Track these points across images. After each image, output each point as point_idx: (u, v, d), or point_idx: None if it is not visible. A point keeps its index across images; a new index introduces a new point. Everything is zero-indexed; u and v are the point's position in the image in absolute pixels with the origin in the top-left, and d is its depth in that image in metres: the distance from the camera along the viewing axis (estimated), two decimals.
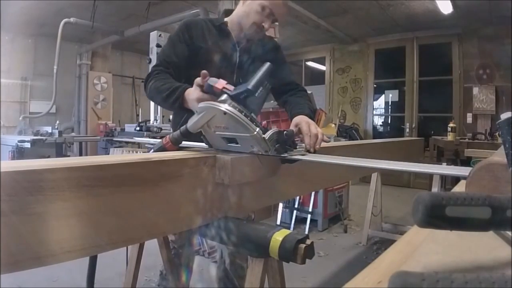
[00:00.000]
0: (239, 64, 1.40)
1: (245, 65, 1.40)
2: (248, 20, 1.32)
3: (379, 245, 2.90)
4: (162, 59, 1.34)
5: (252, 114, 0.86)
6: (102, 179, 0.61)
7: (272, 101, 3.98)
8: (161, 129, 4.04)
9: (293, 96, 1.47)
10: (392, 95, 6.82)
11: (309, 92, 4.11)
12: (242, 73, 1.38)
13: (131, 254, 1.32)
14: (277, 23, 3.98)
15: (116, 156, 0.79)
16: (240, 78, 1.37)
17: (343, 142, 3.22)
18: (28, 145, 3.70)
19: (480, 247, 0.42)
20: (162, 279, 1.71)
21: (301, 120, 1.13)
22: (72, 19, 4.87)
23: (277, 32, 4.19)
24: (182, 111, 1.17)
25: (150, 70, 1.37)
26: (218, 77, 1.00)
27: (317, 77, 7.57)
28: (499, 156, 0.49)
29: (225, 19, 1.42)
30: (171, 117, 3.21)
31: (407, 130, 6.07)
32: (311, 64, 7.66)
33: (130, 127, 5.45)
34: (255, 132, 0.82)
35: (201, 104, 0.89)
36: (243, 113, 0.83)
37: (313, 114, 1.33)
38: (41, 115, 5.49)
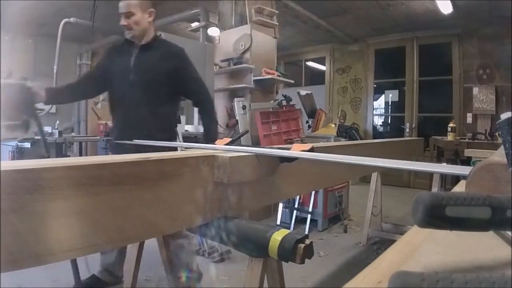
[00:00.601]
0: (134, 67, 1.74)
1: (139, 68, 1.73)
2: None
3: (379, 245, 2.90)
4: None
5: None
6: (101, 178, 0.61)
7: (271, 101, 3.98)
8: None
9: (202, 114, 1.93)
10: (392, 95, 6.81)
11: (309, 92, 4.11)
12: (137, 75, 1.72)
13: (130, 254, 1.32)
14: (277, 23, 3.96)
15: (116, 156, 0.79)
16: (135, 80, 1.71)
17: (343, 142, 3.22)
18: (28, 145, 3.70)
19: (480, 247, 0.42)
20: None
21: None
22: (72, 19, 4.86)
23: (277, 32, 4.19)
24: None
25: None
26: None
27: (317, 77, 7.57)
28: (499, 156, 0.49)
29: None
30: None
31: (407, 130, 6.07)
32: (311, 64, 7.66)
33: None
34: None
35: None
36: None
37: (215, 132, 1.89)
38: (41, 115, 5.48)
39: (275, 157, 0.93)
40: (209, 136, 1.85)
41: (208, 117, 1.93)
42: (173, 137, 1.88)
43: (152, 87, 1.72)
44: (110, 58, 1.86)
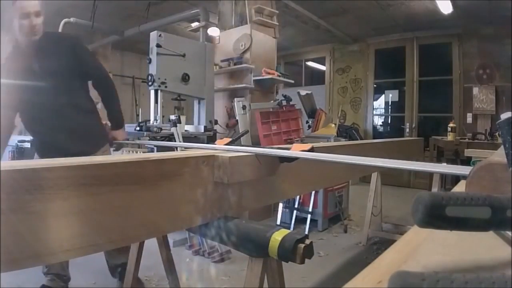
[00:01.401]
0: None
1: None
2: None
3: (379, 245, 2.90)
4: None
5: None
6: (101, 178, 0.61)
7: (271, 101, 3.98)
8: (161, 129, 4.04)
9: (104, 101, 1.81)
10: (392, 95, 6.81)
11: (309, 92, 4.10)
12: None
13: (130, 254, 1.32)
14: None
15: (115, 156, 0.79)
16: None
17: (343, 142, 3.22)
18: (28, 145, 3.70)
19: (480, 247, 0.42)
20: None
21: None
22: (72, 19, 4.87)
23: (277, 32, 4.19)
24: None
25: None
26: None
27: (317, 77, 7.57)
28: (499, 156, 0.49)
29: None
30: (171, 117, 3.21)
31: (407, 130, 6.07)
32: (311, 64, 7.66)
33: (130, 127, 5.44)
34: None
35: None
36: None
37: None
38: None
39: (275, 157, 0.93)
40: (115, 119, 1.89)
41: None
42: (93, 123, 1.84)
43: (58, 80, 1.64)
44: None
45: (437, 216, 0.31)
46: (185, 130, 3.33)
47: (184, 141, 2.80)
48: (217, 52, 3.99)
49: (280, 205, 3.32)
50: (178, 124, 2.77)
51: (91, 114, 1.82)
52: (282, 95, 4.04)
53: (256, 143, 3.53)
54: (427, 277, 0.22)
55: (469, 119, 5.41)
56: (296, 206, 3.31)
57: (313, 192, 3.20)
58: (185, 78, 3.22)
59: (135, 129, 3.14)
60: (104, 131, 1.88)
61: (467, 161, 2.82)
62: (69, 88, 1.68)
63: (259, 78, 3.79)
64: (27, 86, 1.58)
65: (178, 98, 3.39)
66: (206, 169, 0.80)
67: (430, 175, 3.26)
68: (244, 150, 0.94)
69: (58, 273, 1.90)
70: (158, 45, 2.95)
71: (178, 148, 1.49)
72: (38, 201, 0.53)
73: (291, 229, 3.01)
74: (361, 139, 5.89)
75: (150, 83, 3.01)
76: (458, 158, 3.68)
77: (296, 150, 0.96)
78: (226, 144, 1.16)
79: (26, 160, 0.61)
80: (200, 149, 0.99)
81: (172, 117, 3.07)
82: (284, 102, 3.95)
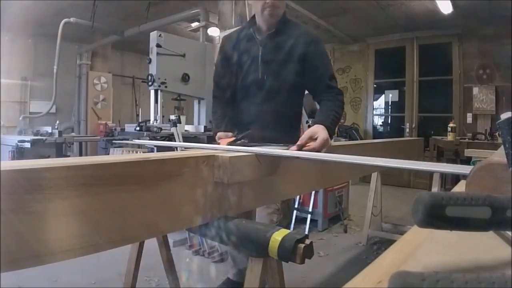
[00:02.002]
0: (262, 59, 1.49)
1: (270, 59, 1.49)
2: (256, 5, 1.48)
3: (379, 245, 2.90)
4: (214, 86, 1.67)
5: None
6: (101, 178, 0.61)
7: None
8: (161, 129, 4.05)
9: (323, 101, 1.47)
10: (392, 95, 6.81)
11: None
12: (268, 68, 1.48)
13: (130, 254, 1.32)
14: None
15: (115, 156, 0.79)
16: (265, 75, 1.49)
17: (343, 142, 3.22)
18: (28, 145, 3.70)
19: (480, 247, 0.42)
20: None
21: (312, 129, 1.21)
22: (72, 19, 4.87)
23: None
24: None
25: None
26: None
27: None
28: (499, 156, 0.49)
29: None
30: (171, 117, 3.21)
31: (407, 130, 6.07)
32: None
33: (130, 127, 5.44)
34: None
35: None
36: None
37: (334, 123, 1.34)
38: (41, 115, 5.49)
39: (275, 156, 0.93)
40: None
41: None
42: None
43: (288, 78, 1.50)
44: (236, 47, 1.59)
45: (437, 216, 0.31)
46: (185, 130, 3.33)
47: (184, 141, 2.80)
48: (217, 52, 3.98)
49: None
50: (178, 124, 2.77)
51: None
52: None
53: None
54: (427, 277, 0.22)
55: (469, 119, 5.41)
56: (296, 206, 3.31)
57: (313, 192, 3.20)
58: (185, 78, 3.23)
59: (135, 129, 3.14)
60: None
61: (467, 161, 2.82)
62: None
63: None
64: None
65: (178, 98, 3.40)
66: (206, 169, 0.80)
67: (430, 175, 3.26)
68: (244, 150, 0.94)
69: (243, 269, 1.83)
70: (158, 45, 2.96)
71: (178, 148, 1.48)
72: (38, 201, 0.53)
73: (291, 229, 3.01)
74: (361, 139, 5.89)
75: (150, 83, 3.01)
76: (458, 158, 3.68)
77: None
78: (229, 143, 1.18)
79: (26, 160, 0.61)
80: (200, 149, 0.99)
81: (172, 117, 3.07)
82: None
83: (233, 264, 1.83)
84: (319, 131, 1.16)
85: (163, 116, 3.22)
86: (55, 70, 5.21)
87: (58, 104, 5.85)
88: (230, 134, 1.43)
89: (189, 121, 3.86)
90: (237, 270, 1.80)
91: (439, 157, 4.20)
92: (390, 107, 6.95)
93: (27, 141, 3.71)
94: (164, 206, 0.72)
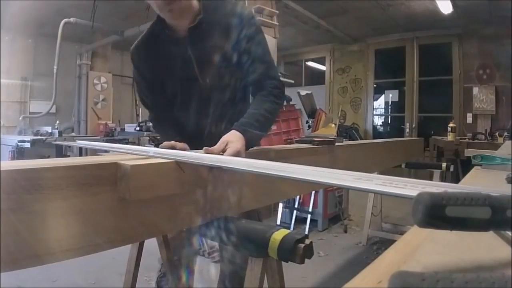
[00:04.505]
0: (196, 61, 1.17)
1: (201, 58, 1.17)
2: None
3: (379, 245, 2.90)
4: (145, 106, 1.32)
5: None
6: (101, 178, 0.61)
7: None
8: None
9: (256, 96, 1.19)
10: (392, 95, 6.82)
11: (309, 92, 4.08)
12: (205, 70, 1.17)
13: (130, 254, 1.32)
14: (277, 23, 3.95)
15: (115, 156, 0.79)
16: (206, 77, 1.18)
17: (343, 142, 3.20)
18: (28, 145, 3.70)
19: (480, 247, 0.42)
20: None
21: (227, 136, 0.96)
22: (72, 19, 4.87)
23: (277, 33, 4.19)
24: None
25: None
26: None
27: (317, 77, 7.57)
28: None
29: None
30: None
31: (407, 130, 6.07)
32: (311, 64, 7.66)
33: (130, 127, 5.45)
34: None
35: None
36: None
37: (260, 126, 1.06)
38: (41, 115, 5.49)
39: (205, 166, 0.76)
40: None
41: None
42: None
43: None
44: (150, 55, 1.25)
45: (437, 216, 0.31)
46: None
47: None
48: None
49: (280, 205, 3.32)
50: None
51: None
52: None
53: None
54: (427, 277, 0.22)
55: (469, 119, 5.42)
56: (296, 206, 3.31)
57: (313, 192, 3.20)
58: None
59: (135, 129, 3.14)
60: None
61: (467, 161, 2.82)
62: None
63: None
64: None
65: None
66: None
67: (430, 175, 3.26)
68: (166, 155, 0.76)
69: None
70: None
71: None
72: (38, 201, 0.53)
73: (291, 229, 3.01)
74: (361, 139, 5.89)
75: None
76: (458, 158, 3.68)
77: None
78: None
79: (26, 160, 0.61)
80: (124, 154, 0.81)
81: None
82: (284, 102, 3.95)
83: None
84: (233, 141, 0.93)
85: None
86: (55, 70, 5.21)
87: (58, 104, 5.84)
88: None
89: None
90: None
91: (439, 157, 4.20)
92: (390, 107, 6.96)
93: (27, 141, 3.71)
94: (164, 206, 0.72)
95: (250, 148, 1.04)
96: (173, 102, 1.26)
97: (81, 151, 5.16)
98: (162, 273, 1.55)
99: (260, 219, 1.38)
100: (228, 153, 0.88)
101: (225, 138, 0.95)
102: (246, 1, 3.89)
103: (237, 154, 0.90)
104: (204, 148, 0.89)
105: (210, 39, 1.15)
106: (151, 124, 1.35)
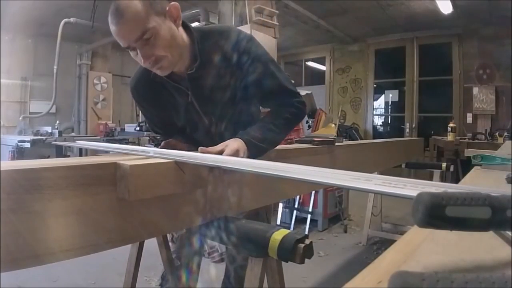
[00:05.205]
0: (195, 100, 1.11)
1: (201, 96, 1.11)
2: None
3: (379, 245, 2.90)
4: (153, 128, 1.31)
5: None
6: (101, 178, 0.61)
7: None
8: None
9: (270, 112, 1.14)
10: (392, 95, 6.82)
11: (309, 92, 4.09)
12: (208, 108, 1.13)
13: (130, 254, 1.32)
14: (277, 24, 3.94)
15: (115, 156, 0.79)
16: (211, 117, 1.14)
17: (343, 142, 3.20)
18: (28, 145, 3.70)
19: (480, 247, 0.42)
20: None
21: (228, 142, 0.92)
22: (72, 19, 4.87)
23: (277, 32, 4.19)
24: None
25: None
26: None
27: (317, 77, 7.57)
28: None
29: None
30: None
31: (407, 130, 6.07)
32: (311, 64, 7.66)
33: (130, 127, 5.45)
34: None
35: None
36: None
37: (265, 140, 1.01)
38: (41, 115, 5.49)
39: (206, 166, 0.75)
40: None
41: None
42: None
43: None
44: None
45: (437, 216, 0.31)
46: None
47: None
48: None
49: (280, 205, 3.32)
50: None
51: None
52: None
53: None
54: (427, 277, 0.22)
55: (469, 119, 5.42)
56: (296, 206, 3.31)
57: (313, 192, 3.20)
58: None
59: (135, 129, 3.14)
60: None
61: (467, 161, 2.82)
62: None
63: None
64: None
65: None
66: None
67: (430, 175, 3.26)
68: (166, 155, 0.75)
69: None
70: None
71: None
72: (38, 201, 0.53)
73: (291, 229, 3.01)
74: (361, 139, 5.89)
75: None
76: (458, 158, 3.68)
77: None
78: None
79: (26, 160, 0.61)
80: (125, 154, 0.81)
81: None
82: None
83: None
84: (233, 143, 0.91)
85: None
86: (55, 70, 5.21)
87: (58, 104, 5.85)
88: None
89: None
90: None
91: (439, 157, 4.20)
92: (390, 107, 6.96)
93: (27, 141, 3.71)
94: (164, 205, 0.72)
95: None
96: (183, 129, 1.22)
97: (81, 151, 5.16)
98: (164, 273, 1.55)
99: (268, 218, 1.36)
100: (226, 153, 0.86)
101: (225, 142, 0.92)
102: (246, 1, 3.89)
103: (235, 153, 0.87)
104: (200, 148, 0.86)
105: (211, 79, 1.07)
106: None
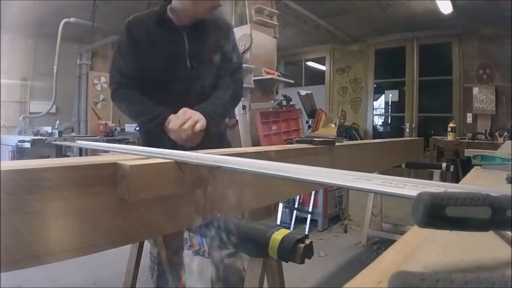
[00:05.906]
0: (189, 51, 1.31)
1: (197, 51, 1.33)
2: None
3: (379, 245, 2.90)
4: (118, 74, 1.33)
5: None
6: (101, 178, 0.61)
7: (271, 101, 3.98)
8: None
9: (219, 87, 1.36)
10: (392, 95, 6.82)
11: (309, 92, 4.09)
12: (196, 60, 1.33)
13: (130, 254, 1.32)
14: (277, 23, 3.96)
15: (115, 156, 0.79)
16: (195, 64, 1.33)
17: (343, 142, 3.20)
18: (28, 145, 3.70)
19: (480, 247, 0.42)
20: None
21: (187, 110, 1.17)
22: (72, 19, 4.87)
23: (277, 32, 4.19)
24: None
25: (110, 87, 1.35)
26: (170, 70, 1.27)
27: (317, 77, 7.57)
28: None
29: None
30: None
31: (407, 130, 6.07)
32: (311, 64, 7.66)
33: (130, 127, 5.45)
34: None
35: None
36: None
37: (218, 115, 1.25)
38: (41, 115, 5.49)
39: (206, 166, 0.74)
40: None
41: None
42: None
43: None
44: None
45: (437, 216, 0.31)
46: None
47: None
48: None
49: (280, 205, 3.32)
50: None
51: None
52: (282, 95, 4.04)
53: (256, 143, 3.53)
54: (427, 277, 0.22)
55: (469, 119, 5.42)
56: (296, 206, 3.31)
57: (313, 192, 3.20)
58: None
59: (135, 129, 3.13)
60: None
61: (467, 161, 2.82)
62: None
63: (259, 78, 3.79)
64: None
65: None
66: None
67: (430, 175, 3.26)
68: (166, 155, 0.74)
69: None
70: None
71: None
72: (38, 201, 0.53)
73: (291, 229, 3.01)
74: (361, 139, 5.89)
75: None
76: (458, 158, 3.68)
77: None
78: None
79: (26, 160, 0.61)
80: (123, 154, 0.81)
81: None
82: (284, 102, 3.95)
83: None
84: (195, 116, 1.14)
85: None
86: (55, 70, 5.21)
87: (58, 104, 5.85)
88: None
89: None
90: None
91: (439, 157, 4.20)
92: (390, 107, 6.96)
93: (27, 141, 3.71)
94: (164, 205, 0.72)
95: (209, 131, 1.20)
96: (152, 80, 1.34)
97: (81, 151, 5.16)
98: (159, 271, 1.56)
99: None
100: (188, 124, 1.11)
101: (189, 112, 1.15)
102: (246, 1, 3.89)
103: (195, 124, 1.10)
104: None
105: (204, 40, 1.34)
106: (113, 93, 1.32)
